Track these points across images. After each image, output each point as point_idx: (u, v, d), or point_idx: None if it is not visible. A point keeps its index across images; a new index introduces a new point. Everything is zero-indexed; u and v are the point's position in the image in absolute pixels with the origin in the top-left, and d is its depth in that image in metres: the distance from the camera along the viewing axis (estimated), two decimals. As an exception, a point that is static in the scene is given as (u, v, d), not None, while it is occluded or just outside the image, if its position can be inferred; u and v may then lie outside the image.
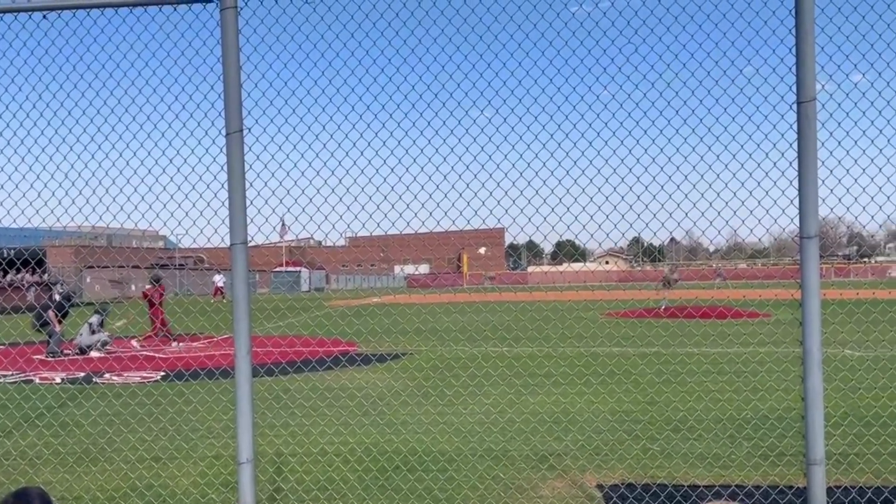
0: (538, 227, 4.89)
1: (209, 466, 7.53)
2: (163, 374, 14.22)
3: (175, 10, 4.61)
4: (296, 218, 5.01)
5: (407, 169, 5.06)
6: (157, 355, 17.16)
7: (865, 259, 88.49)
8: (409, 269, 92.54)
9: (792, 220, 4.33)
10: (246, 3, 4.40)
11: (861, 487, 6.61)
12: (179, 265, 64.00)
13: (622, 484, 6.99)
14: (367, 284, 78.13)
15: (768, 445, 8.02)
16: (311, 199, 4.89)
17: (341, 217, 5.01)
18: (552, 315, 26.68)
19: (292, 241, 79.17)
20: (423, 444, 8.23)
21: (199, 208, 4.94)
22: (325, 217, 4.99)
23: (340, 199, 4.95)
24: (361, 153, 5.05)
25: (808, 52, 4.18)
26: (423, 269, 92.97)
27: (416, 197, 4.95)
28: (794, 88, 4.19)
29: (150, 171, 5.07)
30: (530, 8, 4.52)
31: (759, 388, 11.02)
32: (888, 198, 4.63)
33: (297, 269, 76.99)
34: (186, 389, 11.92)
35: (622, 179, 4.69)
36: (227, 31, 4.38)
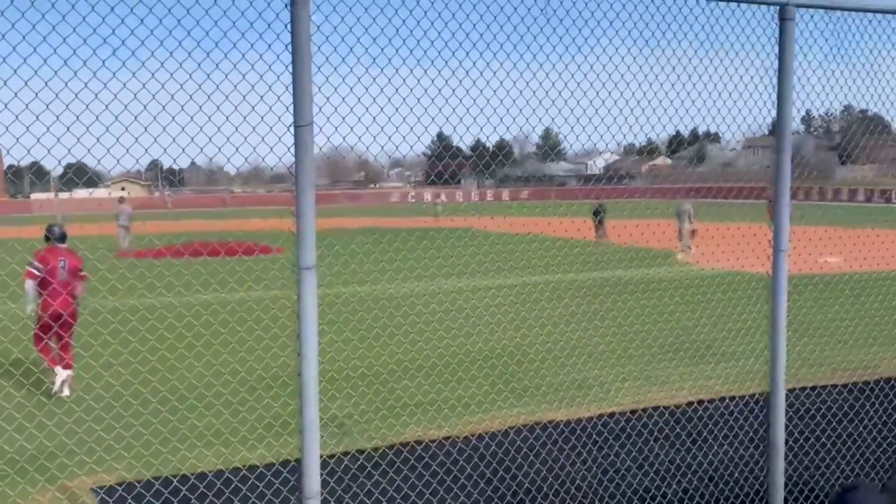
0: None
1: None
2: None
3: None
4: None
5: None
6: None
7: (372, 185, 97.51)
8: None
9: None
10: None
11: (354, 454, 6.86)
12: None
13: (120, 485, 6.34)
14: None
15: (272, 414, 7.94)
16: None
17: None
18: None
19: None
20: None
21: None
22: None
23: None
24: None
25: None
26: None
27: None
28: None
29: None
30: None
31: (255, 346, 9.88)
32: (396, 128, 4.53)
33: None
34: None
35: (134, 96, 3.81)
36: None
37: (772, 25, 4.92)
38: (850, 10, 5.20)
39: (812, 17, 5.12)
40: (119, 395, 8.52)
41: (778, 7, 4.85)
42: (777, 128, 4.90)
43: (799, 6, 4.89)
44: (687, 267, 20.57)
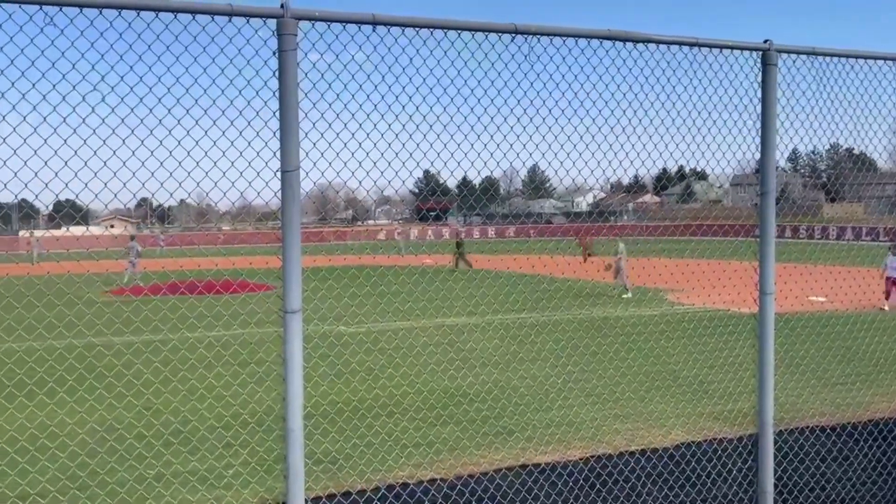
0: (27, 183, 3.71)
1: None
2: None
3: None
4: None
5: None
6: None
7: (359, 222, 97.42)
8: None
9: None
10: None
11: (337, 497, 6.71)
12: None
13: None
14: None
15: (265, 449, 7.79)
16: None
17: None
18: (34, 299, 23.05)
19: None
20: None
21: None
22: None
23: None
24: None
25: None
26: None
27: None
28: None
29: None
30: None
31: (253, 383, 10.41)
32: (374, 164, 4.52)
33: None
34: None
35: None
36: None
37: (755, 70, 4.99)
38: (830, 55, 5.29)
39: (794, 61, 5.18)
40: (124, 424, 8.46)
41: (761, 53, 4.92)
42: (761, 173, 4.94)
43: (781, 51, 4.97)
44: (670, 307, 20.59)
